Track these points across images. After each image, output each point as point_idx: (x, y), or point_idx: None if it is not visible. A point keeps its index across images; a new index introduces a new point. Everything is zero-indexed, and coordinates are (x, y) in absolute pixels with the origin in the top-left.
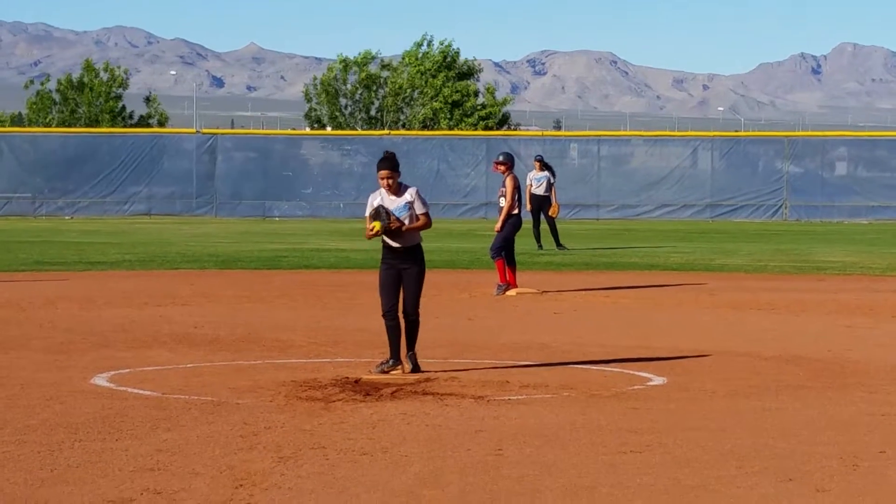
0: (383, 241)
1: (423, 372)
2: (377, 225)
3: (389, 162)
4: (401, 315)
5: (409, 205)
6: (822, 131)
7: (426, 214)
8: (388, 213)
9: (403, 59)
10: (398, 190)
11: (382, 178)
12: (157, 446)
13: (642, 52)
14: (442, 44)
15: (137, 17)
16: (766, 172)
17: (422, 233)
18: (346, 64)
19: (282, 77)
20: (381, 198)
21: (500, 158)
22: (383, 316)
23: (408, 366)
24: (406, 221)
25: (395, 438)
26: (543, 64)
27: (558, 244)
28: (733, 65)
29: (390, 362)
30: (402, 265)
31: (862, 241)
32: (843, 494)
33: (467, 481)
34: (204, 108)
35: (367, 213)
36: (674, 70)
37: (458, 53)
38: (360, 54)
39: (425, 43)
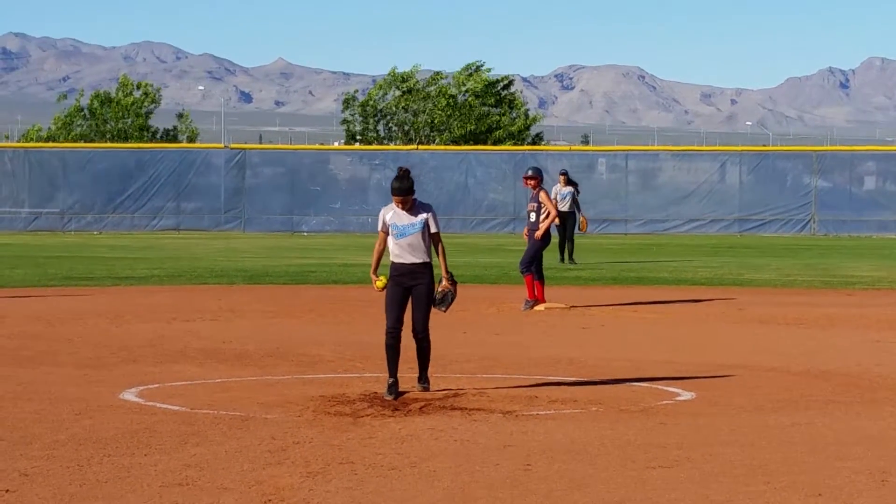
0: (392, 261)
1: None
2: (380, 284)
3: (402, 185)
4: (410, 335)
5: (425, 223)
6: (851, 146)
7: (439, 234)
8: (444, 295)
9: (440, 90)
10: (412, 208)
11: (397, 203)
12: (186, 461)
13: (670, 66)
14: (481, 69)
15: (166, 33)
16: (794, 187)
17: (446, 248)
18: (394, 78)
19: (310, 92)
20: (393, 213)
21: (530, 173)
22: (386, 333)
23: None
24: (423, 240)
25: (423, 453)
26: (571, 79)
27: (570, 258)
28: (761, 79)
29: (390, 381)
30: (411, 283)
31: (891, 255)
32: None
33: (496, 496)
34: (232, 124)
35: (379, 228)
36: (702, 84)
37: (503, 79)
38: (409, 69)
39: (473, 69)
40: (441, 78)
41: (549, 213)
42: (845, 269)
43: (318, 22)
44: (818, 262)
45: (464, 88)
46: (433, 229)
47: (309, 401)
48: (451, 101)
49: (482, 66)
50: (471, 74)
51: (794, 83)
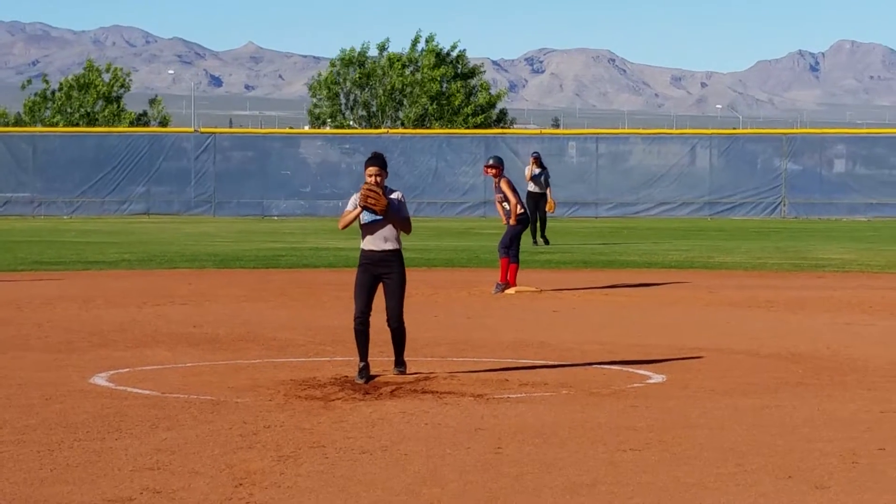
0: (362, 248)
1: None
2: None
3: (378, 160)
4: (379, 321)
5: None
6: (821, 129)
7: (408, 219)
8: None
9: (392, 60)
10: (384, 192)
11: (371, 175)
12: (157, 445)
13: (640, 49)
14: (431, 41)
15: (135, 17)
16: (764, 170)
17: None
18: (349, 59)
19: (280, 76)
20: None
21: (491, 162)
22: (355, 319)
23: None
24: (393, 226)
25: (394, 437)
26: (541, 62)
27: (542, 236)
28: (731, 62)
29: (361, 365)
30: (382, 271)
31: (860, 238)
32: (843, 492)
33: (467, 480)
34: (202, 108)
35: (348, 209)
36: (672, 68)
37: (462, 54)
38: (362, 45)
39: (422, 40)
40: (384, 47)
41: (512, 202)
42: (815, 251)
43: (289, 5)
44: (788, 244)
45: (419, 64)
46: (402, 214)
47: (280, 385)
48: (402, 71)
49: (430, 38)
50: (423, 51)
51: (764, 66)
